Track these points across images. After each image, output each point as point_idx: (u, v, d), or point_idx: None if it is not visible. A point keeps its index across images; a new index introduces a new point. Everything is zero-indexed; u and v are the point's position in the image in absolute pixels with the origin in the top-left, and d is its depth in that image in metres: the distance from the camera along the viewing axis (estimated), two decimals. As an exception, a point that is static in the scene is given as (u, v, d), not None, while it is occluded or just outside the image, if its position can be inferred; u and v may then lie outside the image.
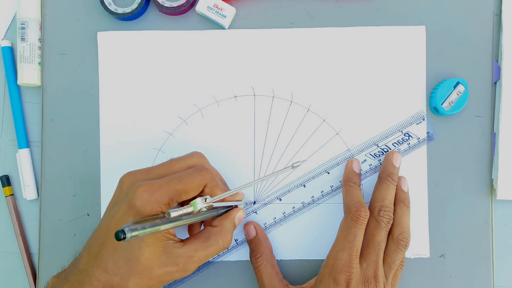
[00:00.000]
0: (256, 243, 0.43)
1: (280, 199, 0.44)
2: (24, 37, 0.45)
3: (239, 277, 0.45)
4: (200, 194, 0.38)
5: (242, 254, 0.45)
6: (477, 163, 0.45)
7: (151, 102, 0.45)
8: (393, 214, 0.41)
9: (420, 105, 0.44)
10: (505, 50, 0.44)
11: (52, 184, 0.45)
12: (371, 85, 0.45)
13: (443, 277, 0.44)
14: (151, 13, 0.46)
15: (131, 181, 0.37)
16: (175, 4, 0.44)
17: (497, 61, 0.45)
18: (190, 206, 0.35)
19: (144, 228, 0.32)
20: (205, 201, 0.36)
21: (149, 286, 0.36)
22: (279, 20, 0.45)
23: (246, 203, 0.44)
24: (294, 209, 0.44)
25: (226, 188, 0.41)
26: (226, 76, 0.45)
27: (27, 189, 0.46)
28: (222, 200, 0.39)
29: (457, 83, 0.43)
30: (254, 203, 0.44)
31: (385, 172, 0.43)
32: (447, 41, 0.45)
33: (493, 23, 0.45)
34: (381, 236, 0.41)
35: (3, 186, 0.46)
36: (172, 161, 0.39)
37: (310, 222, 0.44)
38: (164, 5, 0.44)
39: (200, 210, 0.36)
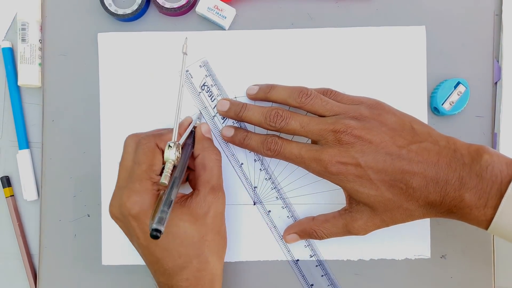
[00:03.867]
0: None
1: (282, 198, 0.45)
2: (24, 38, 0.45)
3: (238, 278, 0.45)
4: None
5: (243, 255, 0.45)
6: (478, 164, 0.44)
7: (151, 102, 0.45)
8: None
9: (420, 105, 0.44)
10: (505, 50, 0.44)
11: (53, 185, 0.45)
12: (372, 86, 0.45)
13: (444, 278, 0.44)
14: (152, 14, 0.46)
15: None
16: (175, 5, 0.44)
17: (498, 61, 0.45)
18: (166, 161, 0.36)
19: (166, 212, 0.33)
20: (169, 147, 0.37)
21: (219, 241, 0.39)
22: (279, 21, 0.45)
23: (198, 118, 0.44)
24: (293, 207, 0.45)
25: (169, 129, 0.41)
26: (226, 77, 0.45)
27: (27, 190, 0.46)
28: (180, 135, 0.40)
29: (458, 83, 0.43)
30: (254, 204, 0.45)
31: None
32: (447, 41, 0.45)
33: (494, 23, 0.45)
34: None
35: (4, 187, 0.46)
36: None
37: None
38: (165, 6, 0.44)
39: (177, 157, 0.37)
